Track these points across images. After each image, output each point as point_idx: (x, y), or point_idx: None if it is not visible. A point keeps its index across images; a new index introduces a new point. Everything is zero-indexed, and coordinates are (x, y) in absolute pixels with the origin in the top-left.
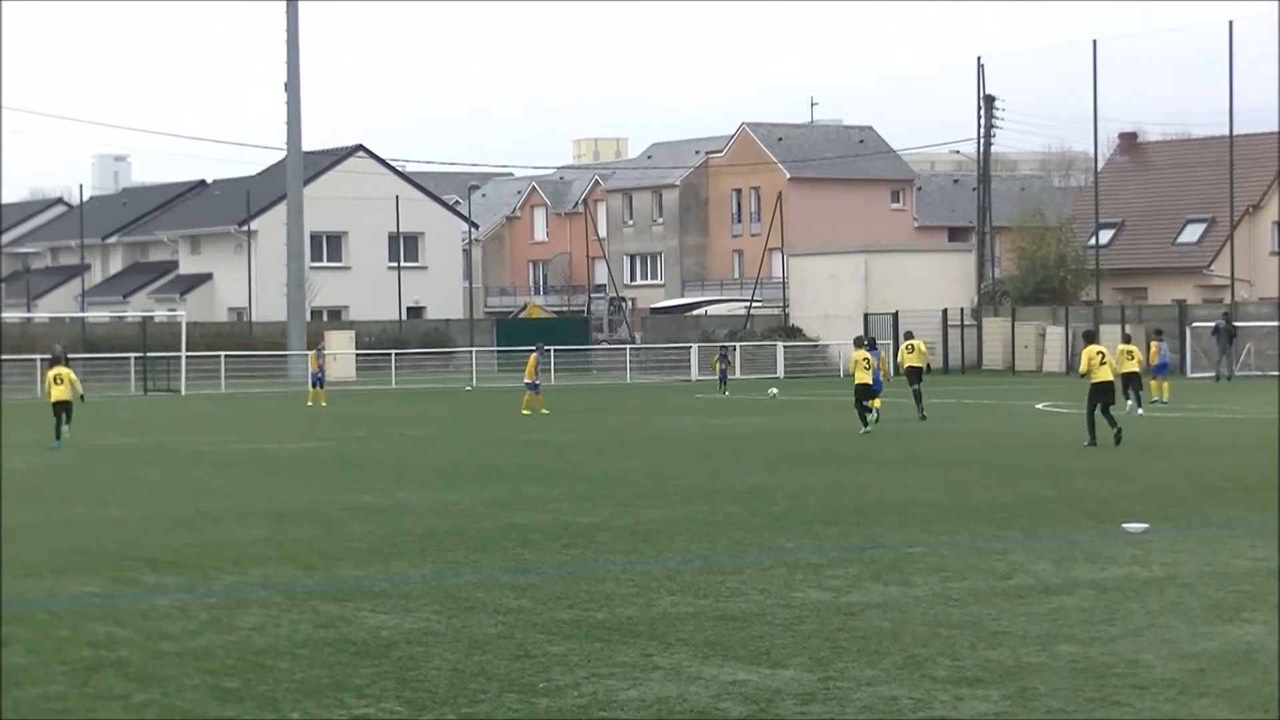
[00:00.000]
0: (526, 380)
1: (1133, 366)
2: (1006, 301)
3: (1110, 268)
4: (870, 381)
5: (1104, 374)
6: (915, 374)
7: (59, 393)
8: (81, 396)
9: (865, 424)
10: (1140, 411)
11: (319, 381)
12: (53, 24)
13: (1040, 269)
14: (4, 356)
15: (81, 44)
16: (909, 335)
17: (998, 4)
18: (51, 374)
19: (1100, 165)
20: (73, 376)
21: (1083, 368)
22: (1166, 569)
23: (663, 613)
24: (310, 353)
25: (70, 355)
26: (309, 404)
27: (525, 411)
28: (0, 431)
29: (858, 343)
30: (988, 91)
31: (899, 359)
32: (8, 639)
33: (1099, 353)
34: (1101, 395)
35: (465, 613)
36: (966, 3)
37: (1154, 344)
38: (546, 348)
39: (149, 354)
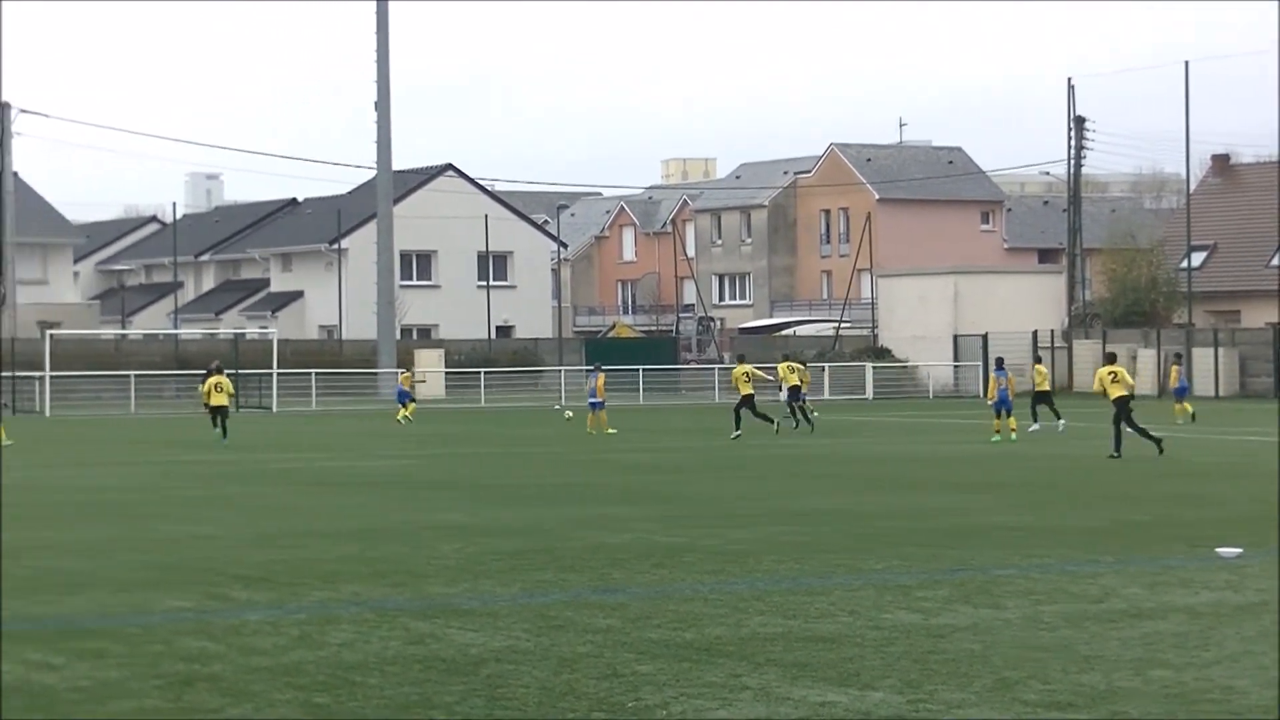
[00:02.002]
0: (597, 400)
1: (1044, 385)
2: (1097, 324)
3: (1202, 290)
4: (752, 392)
5: (1116, 390)
6: (795, 392)
7: (218, 399)
8: (237, 405)
9: (737, 429)
10: (1035, 427)
11: (407, 398)
12: (149, 45)
13: (1131, 291)
14: (91, 373)
15: (176, 65)
16: (786, 357)
17: (1089, 25)
18: (213, 382)
19: (1192, 187)
20: (230, 387)
21: (1095, 387)
22: (1261, 595)
23: (751, 633)
24: (404, 371)
25: (163, 372)
26: (398, 419)
27: (609, 430)
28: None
29: (739, 360)
30: (1078, 113)
31: (780, 378)
32: (101, 652)
33: (1111, 373)
34: (1119, 410)
35: (554, 631)
36: (1057, 24)
37: (1174, 368)
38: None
39: (241, 371)
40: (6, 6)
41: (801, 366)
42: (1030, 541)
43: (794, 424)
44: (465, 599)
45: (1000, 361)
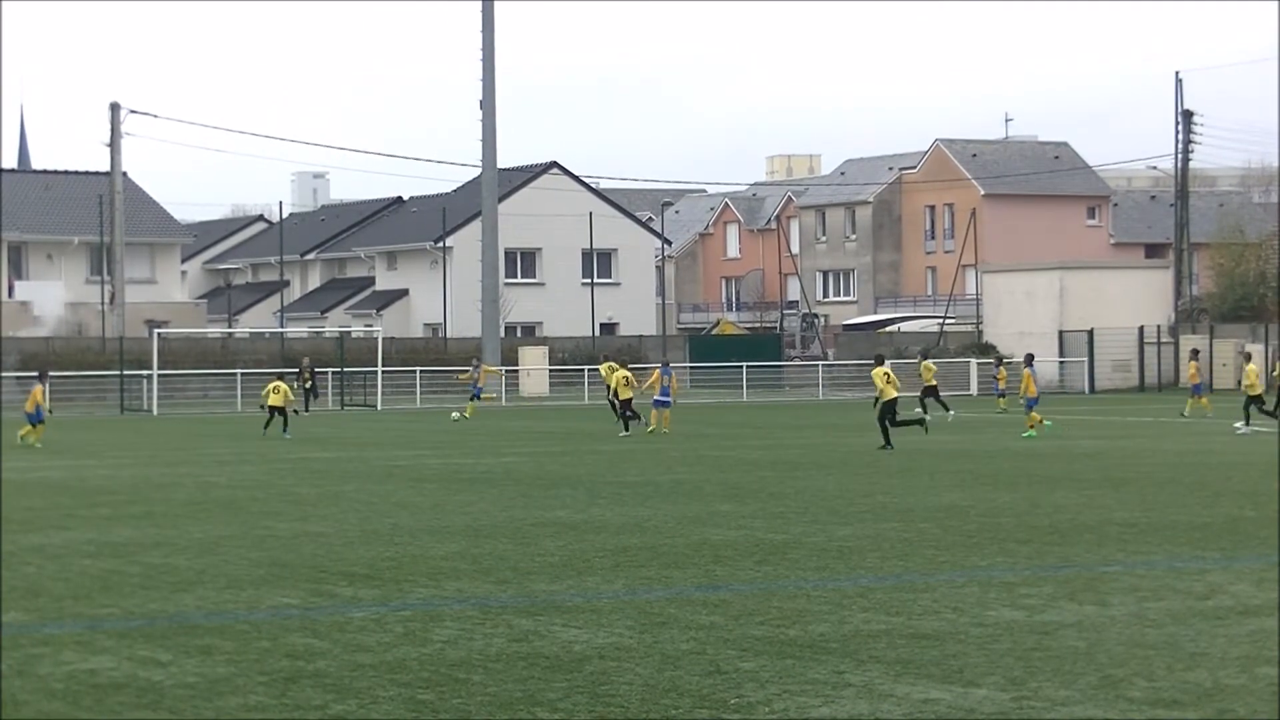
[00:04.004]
0: (665, 399)
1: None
2: (1205, 319)
3: None
4: (632, 395)
5: (890, 392)
6: (627, 403)
7: (275, 400)
8: (295, 410)
9: (626, 428)
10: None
11: (475, 395)
12: (255, 45)
13: (1239, 286)
14: (199, 371)
15: (282, 65)
16: (622, 364)
17: (1197, 18)
18: (271, 386)
19: None
20: (288, 391)
21: (877, 386)
22: None
23: (855, 630)
24: (465, 370)
25: (268, 370)
26: (465, 417)
27: (664, 429)
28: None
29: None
30: (1186, 107)
31: (612, 384)
32: (209, 649)
33: (884, 374)
34: (888, 410)
35: (657, 628)
36: (1165, 17)
37: (1193, 365)
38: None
39: (346, 369)
40: (112, 5)
41: (630, 374)
42: (1138, 538)
43: (621, 424)
44: (569, 596)
45: (1030, 358)
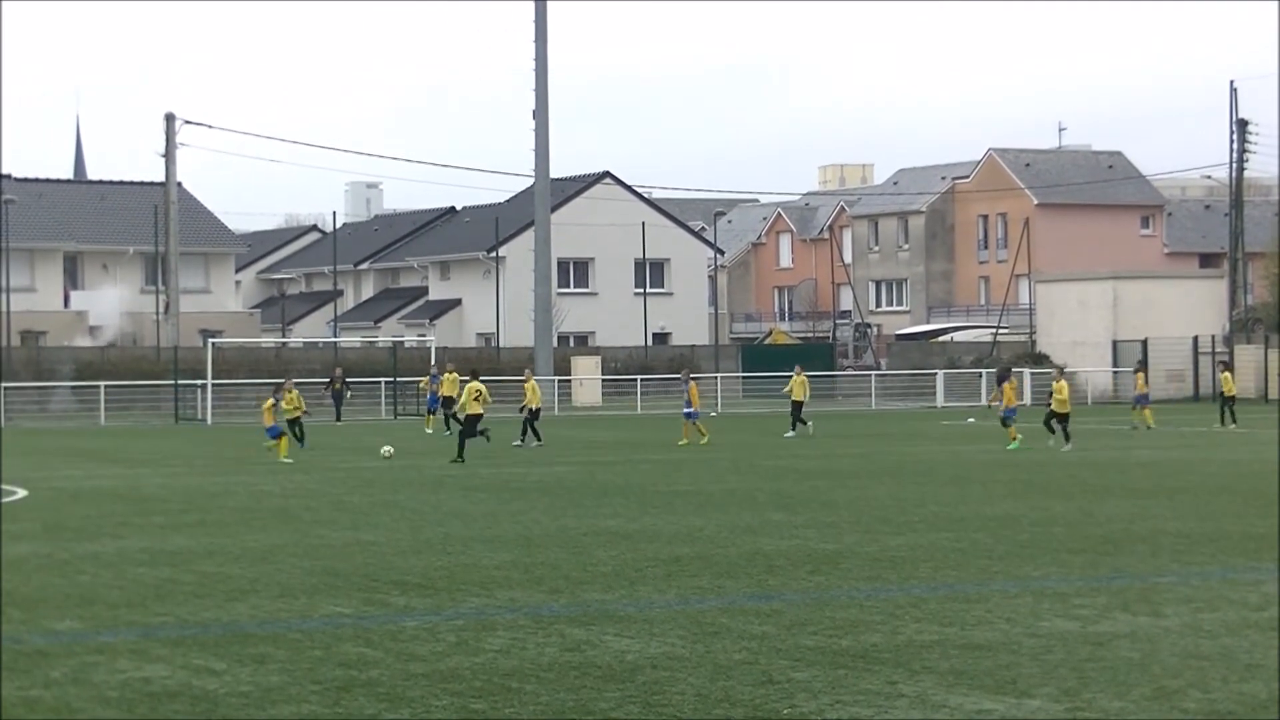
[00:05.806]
0: (690, 410)
1: (536, 402)
2: (1260, 329)
3: None
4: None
5: (475, 408)
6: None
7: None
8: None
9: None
10: (516, 443)
11: (431, 409)
12: (310, 55)
13: None
14: (252, 380)
15: (335, 76)
16: (529, 375)
17: (1251, 27)
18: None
19: None
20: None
21: (461, 397)
22: None
23: (908, 640)
24: (423, 379)
25: (322, 380)
26: (428, 431)
27: (702, 440)
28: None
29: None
30: (1241, 115)
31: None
32: (263, 657)
33: (477, 390)
34: (469, 423)
35: (710, 638)
36: (1219, 26)
37: (1139, 376)
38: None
39: (399, 378)
40: (166, 16)
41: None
42: (1191, 548)
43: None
44: (622, 605)
45: (1008, 371)
